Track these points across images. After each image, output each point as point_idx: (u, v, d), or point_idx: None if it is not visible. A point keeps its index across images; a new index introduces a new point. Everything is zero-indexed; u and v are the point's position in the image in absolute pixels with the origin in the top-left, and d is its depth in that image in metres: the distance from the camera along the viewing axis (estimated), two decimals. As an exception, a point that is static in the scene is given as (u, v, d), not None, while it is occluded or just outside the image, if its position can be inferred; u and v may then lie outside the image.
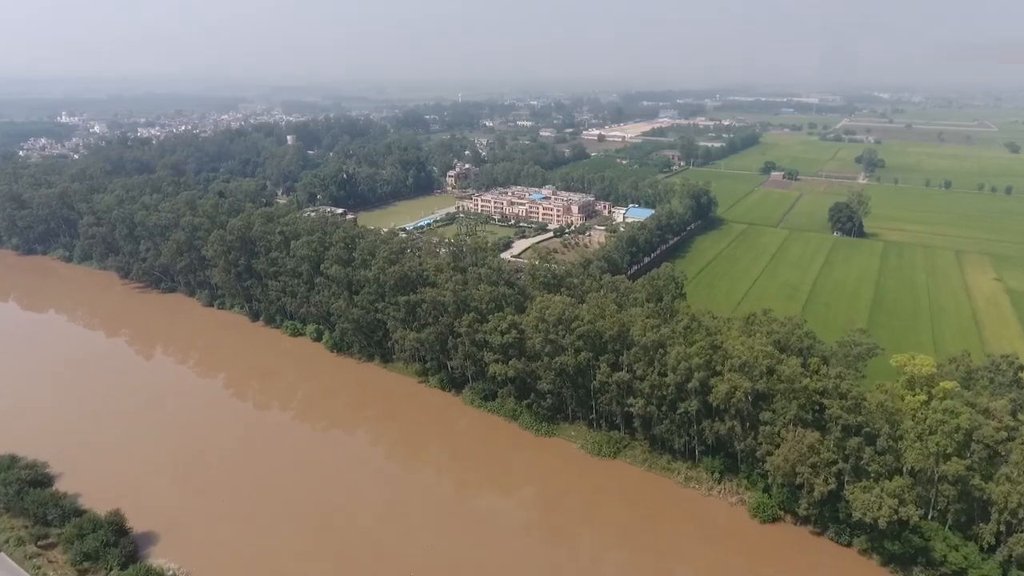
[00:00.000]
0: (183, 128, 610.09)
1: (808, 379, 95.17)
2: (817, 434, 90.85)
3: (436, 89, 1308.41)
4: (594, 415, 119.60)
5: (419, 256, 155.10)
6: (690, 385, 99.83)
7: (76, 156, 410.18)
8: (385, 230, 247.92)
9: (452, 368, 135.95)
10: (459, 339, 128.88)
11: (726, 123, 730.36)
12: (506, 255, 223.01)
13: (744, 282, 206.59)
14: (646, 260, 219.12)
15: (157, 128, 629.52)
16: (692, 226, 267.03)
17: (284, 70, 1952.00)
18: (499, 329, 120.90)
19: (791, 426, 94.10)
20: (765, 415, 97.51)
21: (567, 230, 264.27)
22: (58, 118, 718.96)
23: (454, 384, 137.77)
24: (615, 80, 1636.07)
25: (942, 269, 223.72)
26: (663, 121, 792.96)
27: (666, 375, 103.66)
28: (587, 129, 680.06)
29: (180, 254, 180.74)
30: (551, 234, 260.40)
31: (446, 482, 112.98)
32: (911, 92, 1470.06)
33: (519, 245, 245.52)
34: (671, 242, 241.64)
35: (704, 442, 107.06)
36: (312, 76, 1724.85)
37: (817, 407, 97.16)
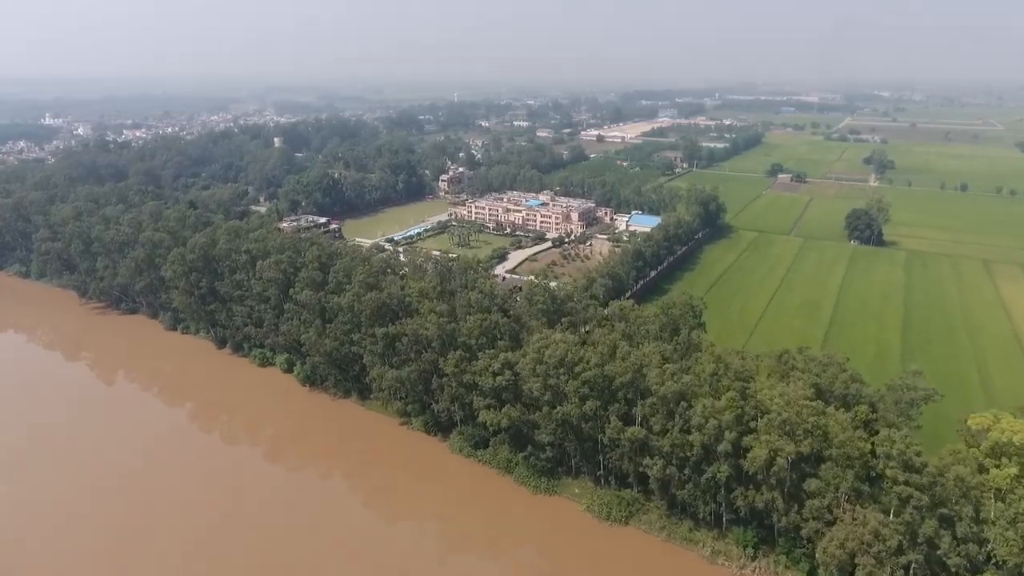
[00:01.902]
0: (169, 130, 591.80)
1: (864, 441, 78.09)
2: (881, 515, 73.75)
3: (434, 89, 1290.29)
4: (602, 471, 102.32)
5: (402, 278, 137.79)
6: (720, 447, 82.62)
7: (52, 160, 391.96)
8: (369, 243, 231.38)
9: (438, 410, 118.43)
10: (445, 379, 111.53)
11: (727, 123, 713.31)
12: (501, 270, 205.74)
13: (760, 299, 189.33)
14: (652, 274, 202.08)
15: (143, 130, 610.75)
16: (699, 234, 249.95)
17: (282, 71, 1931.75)
18: (491, 369, 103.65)
19: (846, 501, 76.98)
20: (812, 484, 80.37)
21: (567, 239, 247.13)
22: (42, 120, 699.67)
23: (440, 427, 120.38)
24: (613, 79, 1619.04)
25: (972, 281, 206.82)
26: (663, 121, 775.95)
27: (689, 432, 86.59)
28: (585, 129, 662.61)
29: (139, 273, 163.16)
30: (549, 244, 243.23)
31: (427, 547, 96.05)
32: (911, 90, 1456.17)
33: (515, 257, 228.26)
34: (678, 253, 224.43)
35: (734, 510, 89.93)
36: (310, 77, 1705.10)
37: (875, 473, 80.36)
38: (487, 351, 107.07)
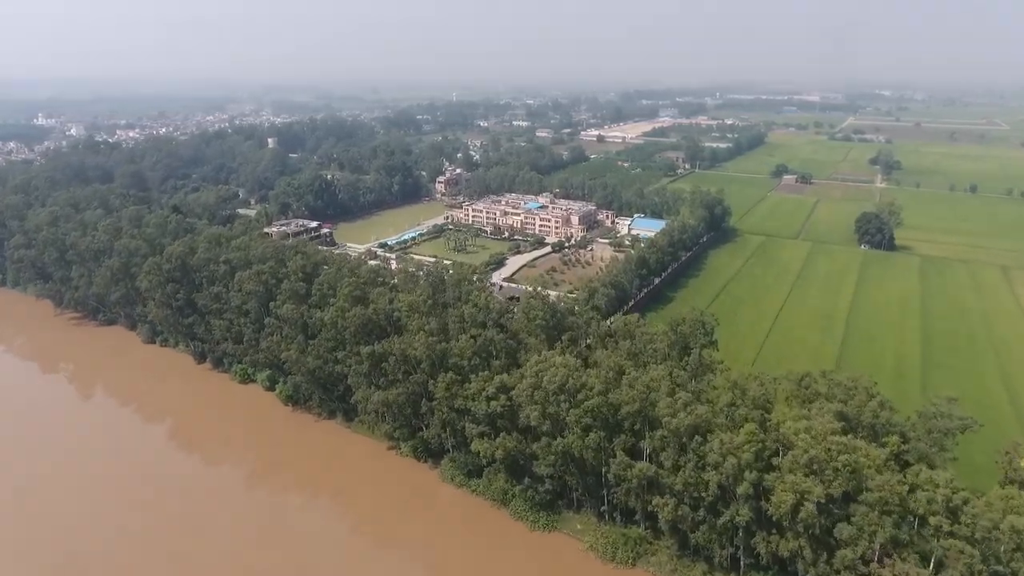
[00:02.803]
0: (163, 131, 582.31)
1: (904, 486, 69.22)
2: (925, 572, 64.94)
3: (432, 89, 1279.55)
4: (606, 506, 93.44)
5: (392, 290, 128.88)
6: (740, 489, 73.74)
7: (41, 161, 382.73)
8: (362, 248, 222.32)
9: (428, 436, 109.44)
10: (435, 403, 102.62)
11: (729, 122, 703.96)
12: (498, 277, 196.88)
13: (769, 308, 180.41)
14: (656, 281, 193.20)
15: (136, 131, 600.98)
16: (704, 238, 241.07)
17: (281, 71, 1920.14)
18: (484, 394, 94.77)
19: (884, 555, 68.14)
20: (844, 530, 71.50)
21: (567, 244, 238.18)
22: (34, 120, 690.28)
23: (430, 453, 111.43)
24: (613, 79, 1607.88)
25: (991, 289, 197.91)
26: (664, 120, 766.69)
27: (704, 469, 77.74)
28: (585, 129, 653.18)
29: (115, 283, 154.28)
30: (549, 249, 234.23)
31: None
32: (913, 89, 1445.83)
33: (513, 263, 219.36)
34: (682, 258, 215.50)
35: (754, 555, 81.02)
36: (308, 77, 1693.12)
37: (912, 516, 71.57)
38: (480, 373, 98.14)
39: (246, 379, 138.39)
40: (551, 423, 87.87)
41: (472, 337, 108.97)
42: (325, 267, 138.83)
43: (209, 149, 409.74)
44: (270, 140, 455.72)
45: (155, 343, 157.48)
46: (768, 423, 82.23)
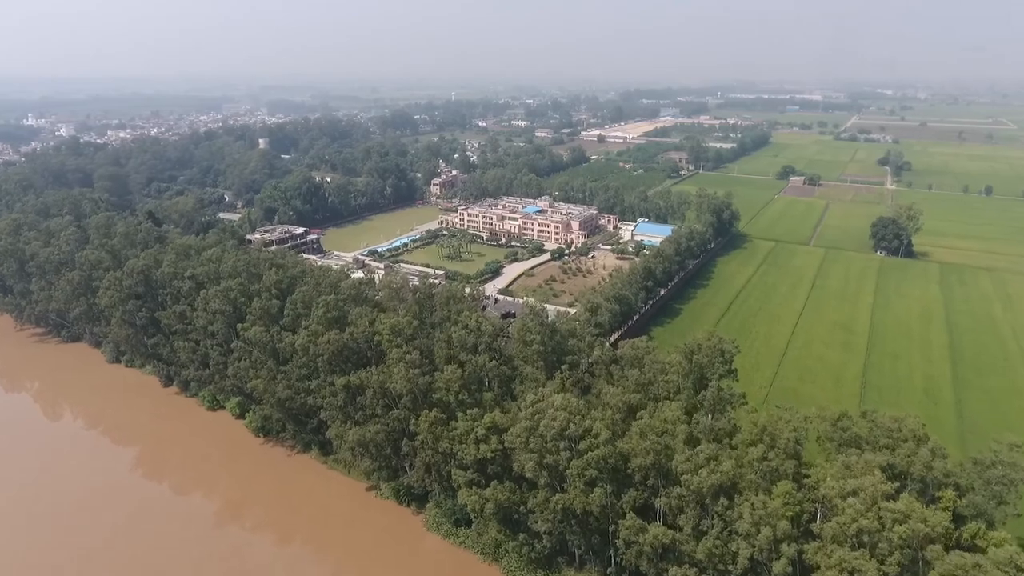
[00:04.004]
0: (155, 131, 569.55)
1: (981, 572, 56.89)
2: None
3: (431, 88, 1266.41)
4: (613, 568, 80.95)
5: (375, 308, 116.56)
6: (776, 568, 61.40)
7: (23, 163, 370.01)
8: (350, 257, 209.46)
9: (410, 480, 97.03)
10: (418, 441, 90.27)
11: (732, 122, 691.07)
12: (492, 289, 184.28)
13: (785, 321, 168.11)
14: (662, 292, 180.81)
15: (128, 131, 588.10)
16: (712, 245, 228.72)
17: (280, 71, 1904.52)
18: (473, 435, 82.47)
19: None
20: (902, 618, 59.30)
21: (567, 251, 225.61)
22: (24, 120, 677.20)
23: (414, 496, 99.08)
24: (613, 78, 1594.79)
25: (1019, 299, 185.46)
26: (665, 120, 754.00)
27: (731, 535, 65.44)
28: (586, 129, 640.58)
29: (76, 298, 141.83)
30: (548, 256, 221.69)
31: None
32: (915, 88, 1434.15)
33: (510, 272, 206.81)
34: (690, 267, 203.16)
35: (789, 634, 68.70)
36: (307, 77, 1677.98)
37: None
38: (469, 411, 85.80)
39: (214, 406, 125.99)
40: (549, 474, 75.50)
41: (460, 366, 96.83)
42: (303, 281, 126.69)
43: (198, 150, 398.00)
44: (261, 141, 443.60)
45: (120, 362, 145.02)
46: (804, 479, 70.08)
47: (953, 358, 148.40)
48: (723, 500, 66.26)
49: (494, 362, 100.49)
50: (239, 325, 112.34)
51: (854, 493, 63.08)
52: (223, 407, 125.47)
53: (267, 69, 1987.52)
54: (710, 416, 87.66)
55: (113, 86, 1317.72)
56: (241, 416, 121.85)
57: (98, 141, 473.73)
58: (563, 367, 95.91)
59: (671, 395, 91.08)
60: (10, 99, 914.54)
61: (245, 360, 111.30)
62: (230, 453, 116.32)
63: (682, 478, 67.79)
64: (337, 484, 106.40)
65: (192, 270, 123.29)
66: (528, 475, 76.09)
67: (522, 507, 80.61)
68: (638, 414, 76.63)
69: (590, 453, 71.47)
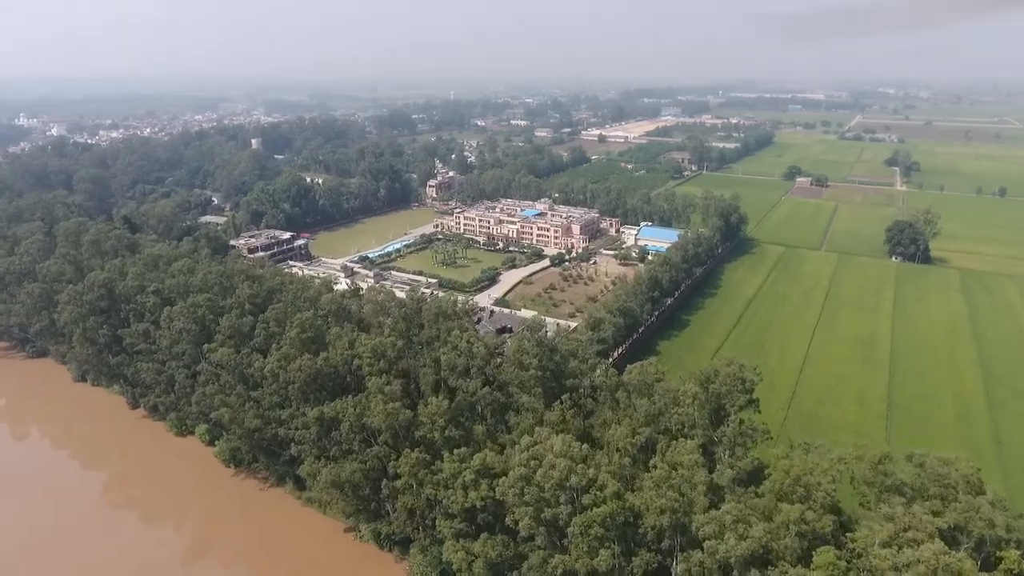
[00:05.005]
0: (147, 131, 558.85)
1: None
2: None
3: (430, 87, 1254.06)
4: (622, 634, 70.51)
5: (357, 325, 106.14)
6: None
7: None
8: (333, 267, 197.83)
9: (391, 529, 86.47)
10: (400, 482, 79.69)
11: (734, 121, 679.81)
12: (488, 299, 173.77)
13: (799, 335, 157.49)
14: (668, 302, 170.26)
15: (120, 131, 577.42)
16: (719, 250, 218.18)
17: (279, 71, 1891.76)
18: (461, 480, 71.96)
19: None
20: None
21: (567, 257, 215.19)
22: (15, 120, 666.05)
23: (396, 541, 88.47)
24: (612, 78, 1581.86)
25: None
26: (667, 119, 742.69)
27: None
28: (586, 129, 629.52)
29: (38, 312, 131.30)
30: (547, 262, 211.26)
31: None
32: (916, 87, 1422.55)
33: (508, 279, 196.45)
34: (697, 275, 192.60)
35: None
36: (308, 76, 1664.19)
37: None
38: (456, 450, 75.29)
39: (183, 431, 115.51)
40: (548, 530, 65.01)
41: (450, 392, 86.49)
42: (282, 295, 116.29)
43: (188, 151, 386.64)
44: (254, 141, 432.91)
45: (86, 381, 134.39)
46: (845, 538, 59.64)
47: (984, 376, 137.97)
48: (754, 572, 55.79)
49: (487, 388, 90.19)
50: (206, 345, 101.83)
51: (909, 566, 52.58)
52: (192, 432, 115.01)
53: (267, 69, 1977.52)
54: (729, 453, 77.47)
55: (111, 86, 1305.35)
56: (212, 443, 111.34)
57: (89, 141, 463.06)
58: (563, 397, 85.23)
59: (685, 428, 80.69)
60: (8, 100, 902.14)
61: (212, 384, 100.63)
62: (198, 486, 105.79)
63: (705, 543, 57.35)
64: (312, 523, 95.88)
65: (157, 284, 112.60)
66: (523, 532, 65.56)
67: (517, 564, 70.04)
68: (651, 462, 66.03)
69: (595, 509, 61.02)
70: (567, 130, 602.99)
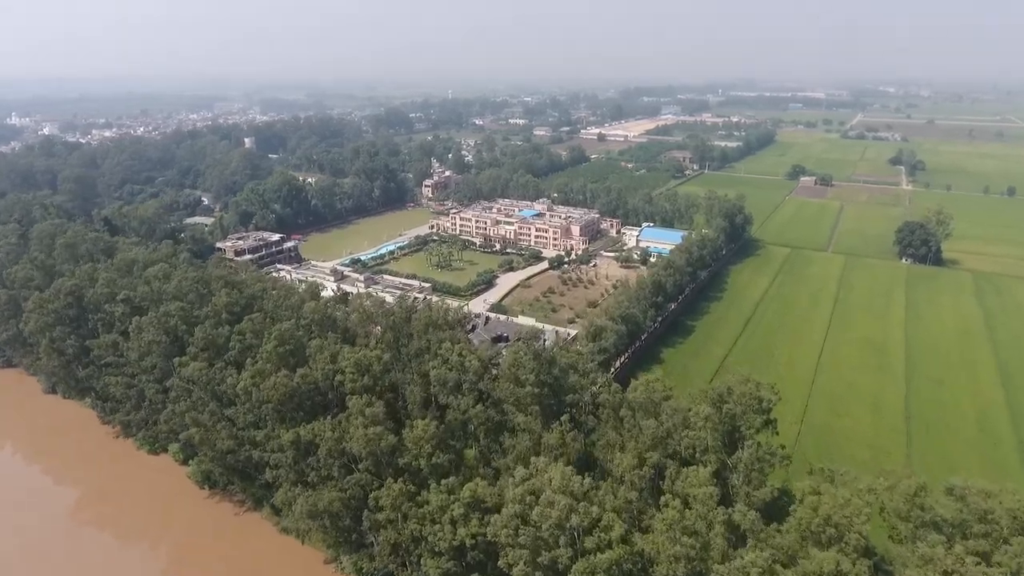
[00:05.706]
0: (140, 130, 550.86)
1: None
2: None
3: (429, 86, 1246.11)
4: None
5: (340, 337, 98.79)
6: None
7: None
8: (323, 271, 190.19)
9: (375, 564, 79.07)
10: (382, 514, 72.32)
11: (735, 120, 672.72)
12: (483, 305, 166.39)
13: (809, 341, 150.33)
14: (672, 307, 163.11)
15: (113, 130, 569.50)
16: (724, 251, 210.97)
17: (277, 71, 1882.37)
18: (449, 515, 64.66)
19: None
20: None
21: (566, 259, 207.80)
22: (7, 119, 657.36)
23: (381, 574, 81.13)
24: (612, 77, 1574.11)
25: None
26: (667, 118, 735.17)
27: None
28: (585, 128, 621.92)
29: (5, 320, 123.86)
30: (546, 264, 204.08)
31: None
32: (917, 86, 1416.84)
33: (505, 282, 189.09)
34: (701, 277, 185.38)
35: None
36: (307, 75, 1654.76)
37: None
38: (445, 480, 67.98)
39: (156, 448, 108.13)
40: (545, 575, 57.68)
41: (440, 411, 79.26)
42: (262, 304, 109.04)
43: (179, 150, 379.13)
44: (247, 140, 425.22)
45: (56, 393, 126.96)
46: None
47: (1004, 383, 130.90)
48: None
49: (480, 406, 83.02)
50: (177, 359, 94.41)
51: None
52: (165, 450, 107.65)
53: (267, 69, 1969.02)
54: (745, 480, 70.42)
55: (109, 85, 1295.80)
56: (186, 462, 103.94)
57: (80, 141, 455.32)
58: (563, 418, 77.99)
59: (696, 453, 73.48)
60: (5, 99, 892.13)
61: (183, 401, 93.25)
62: (170, 508, 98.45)
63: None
64: (291, 552, 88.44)
65: (129, 291, 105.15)
66: (517, 577, 58.28)
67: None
68: (661, 500, 58.74)
69: (600, 555, 53.72)
70: (566, 129, 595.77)
